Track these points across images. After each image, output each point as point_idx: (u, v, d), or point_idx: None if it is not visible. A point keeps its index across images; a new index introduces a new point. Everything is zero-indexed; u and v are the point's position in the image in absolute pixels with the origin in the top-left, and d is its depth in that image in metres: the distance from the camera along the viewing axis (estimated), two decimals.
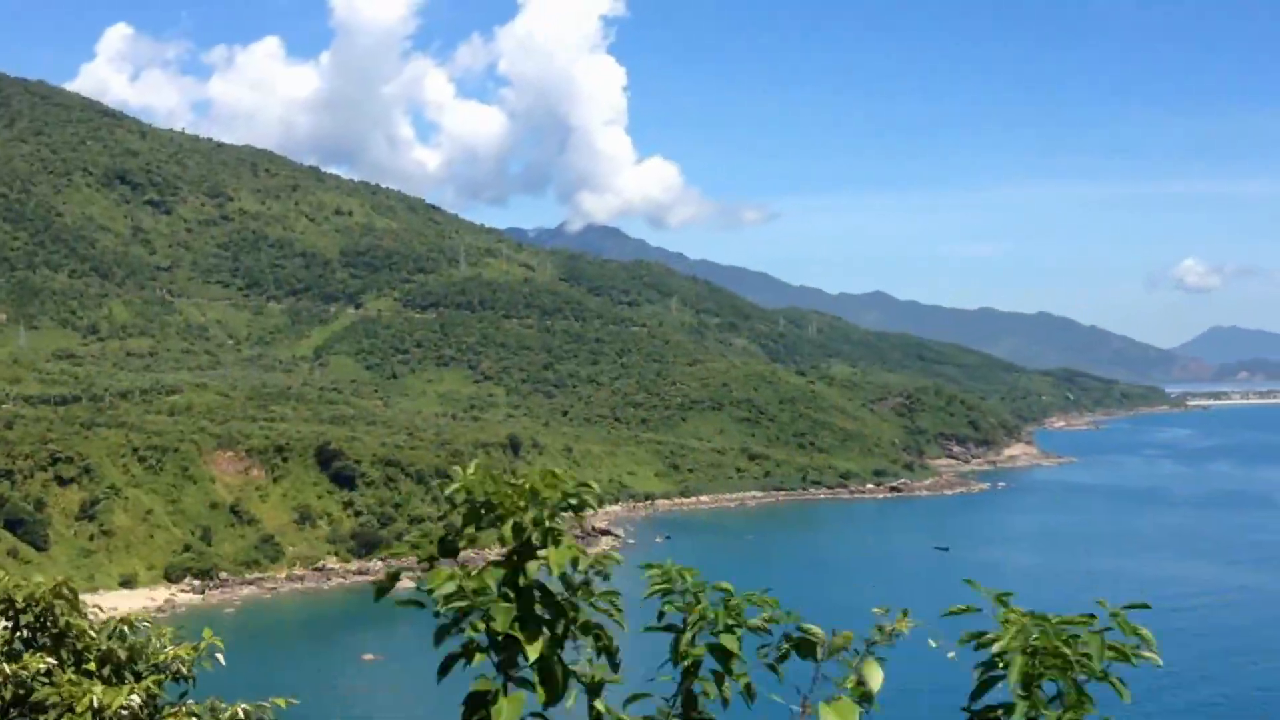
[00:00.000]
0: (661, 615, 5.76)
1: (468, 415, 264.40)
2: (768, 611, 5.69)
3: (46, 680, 8.44)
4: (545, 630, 5.27)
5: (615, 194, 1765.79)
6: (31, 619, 8.85)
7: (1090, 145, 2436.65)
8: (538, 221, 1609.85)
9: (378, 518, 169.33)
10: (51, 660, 8.60)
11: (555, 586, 5.45)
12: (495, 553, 5.47)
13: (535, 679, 5.22)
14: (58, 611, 8.85)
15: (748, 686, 5.58)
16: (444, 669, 5.37)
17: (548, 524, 5.38)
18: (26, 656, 8.62)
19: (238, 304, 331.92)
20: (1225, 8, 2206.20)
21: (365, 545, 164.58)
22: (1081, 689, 5.14)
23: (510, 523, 5.36)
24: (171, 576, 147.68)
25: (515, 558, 5.35)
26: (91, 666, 8.69)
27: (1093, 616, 5.30)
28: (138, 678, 8.62)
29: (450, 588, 5.22)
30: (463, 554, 5.51)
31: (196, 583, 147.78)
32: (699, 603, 5.67)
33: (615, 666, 5.54)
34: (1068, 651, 5.14)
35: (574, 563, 5.36)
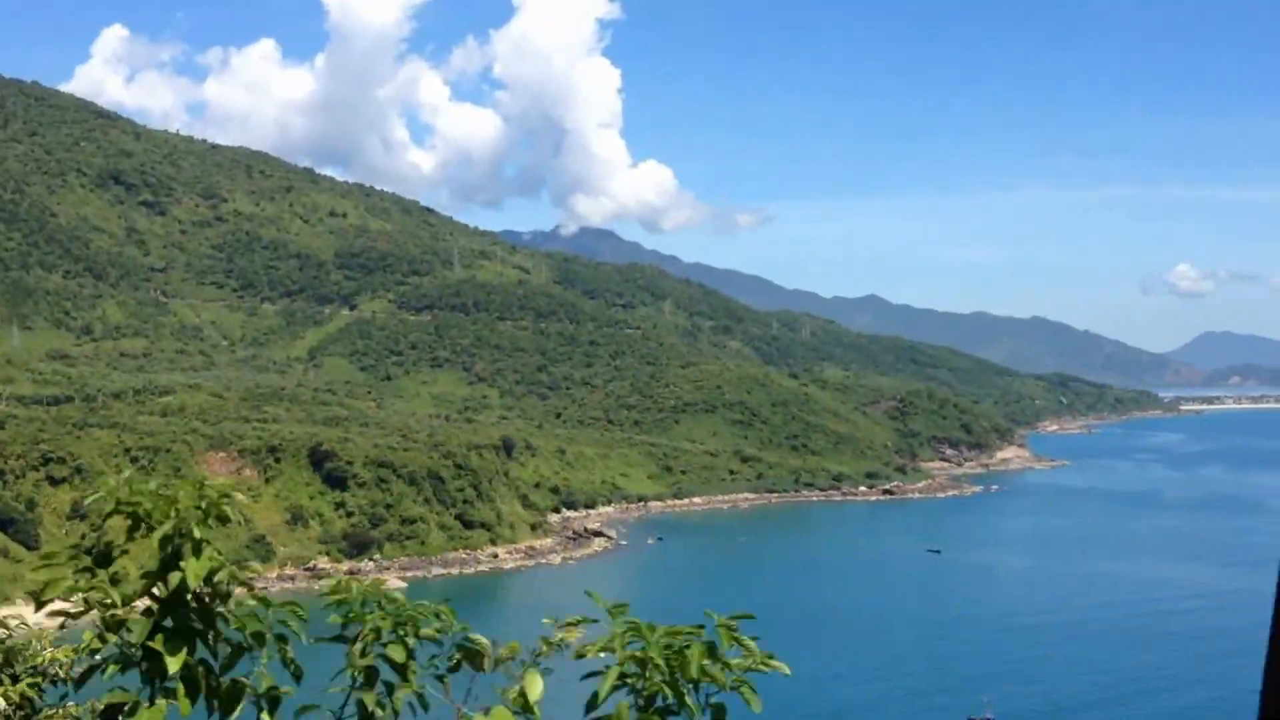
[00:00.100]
0: (346, 626, 5.71)
1: (461, 417, 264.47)
2: (439, 623, 5.70)
3: None
4: (187, 644, 5.26)
5: (610, 197, 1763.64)
6: None
7: (1085, 150, 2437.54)
8: (532, 224, 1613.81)
9: (369, 518, 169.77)
10: None
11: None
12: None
13: (179, 690, 5.23)
14: None
15: (420, 697, 5.60)
16: (80, 682, 5.43)
17: (196, 534, 5.38)
18: None
19: (232, 305, 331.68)
20: (1225, 9, 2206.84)
21: (357, 546, 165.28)
22: (684, 698, 5.25)
23: (159, 534, 5.37)
24: None
25: (162, 569, 5.36)
26: None
27: (701, 627, 5.45)
28: (14, 680, 8.59)
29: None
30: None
31: None
32: (371, 613, 5.66)
33: (297, 678, 5.56)
34: (660, 663, 5.26)
35: (211, 574, 5.34)
